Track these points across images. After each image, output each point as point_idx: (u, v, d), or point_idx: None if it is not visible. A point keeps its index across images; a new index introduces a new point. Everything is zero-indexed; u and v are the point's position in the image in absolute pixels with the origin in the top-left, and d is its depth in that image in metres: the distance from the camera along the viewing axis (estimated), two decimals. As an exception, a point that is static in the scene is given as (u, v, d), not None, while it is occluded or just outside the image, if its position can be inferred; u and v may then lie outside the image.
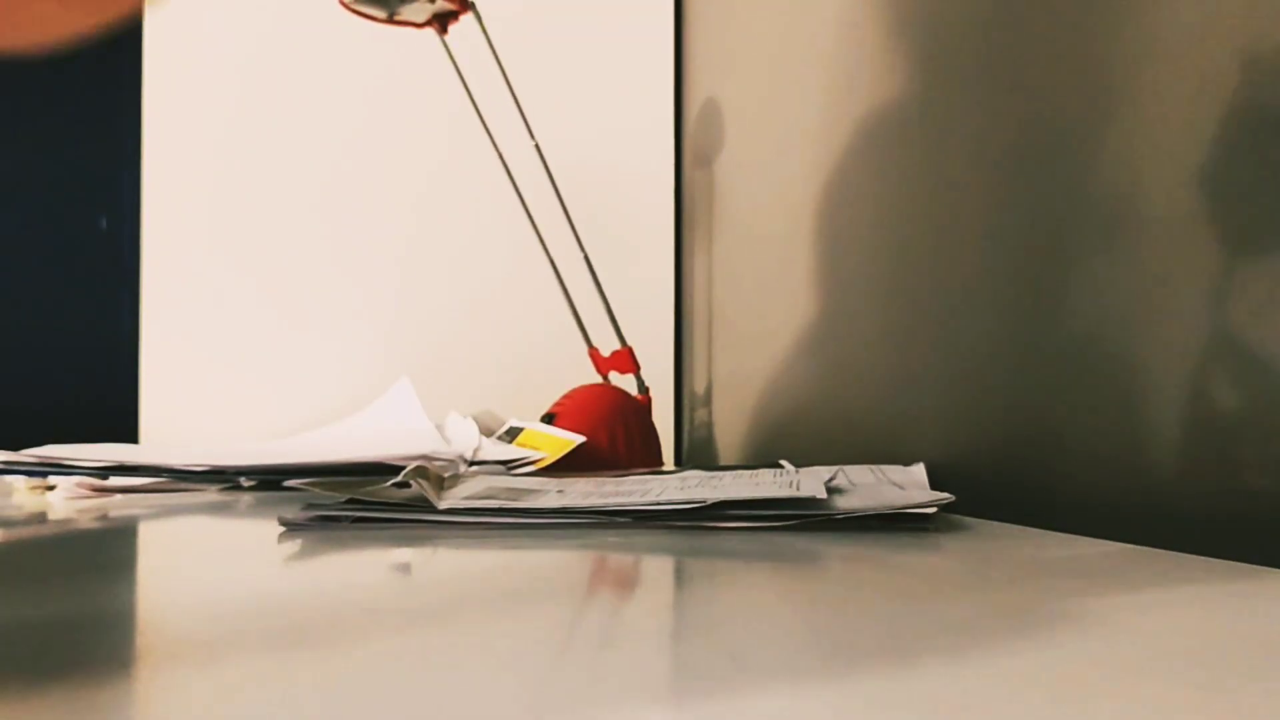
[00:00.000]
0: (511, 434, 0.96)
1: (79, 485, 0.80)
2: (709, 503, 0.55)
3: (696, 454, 1.35)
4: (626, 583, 0.34)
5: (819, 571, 0.32)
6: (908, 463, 0.77)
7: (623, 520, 0.56)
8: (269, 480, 0.85)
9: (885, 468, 0.72)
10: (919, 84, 0.80)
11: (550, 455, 0.89)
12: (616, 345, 1.06)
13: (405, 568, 0.44)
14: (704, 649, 0.28)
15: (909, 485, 0.63)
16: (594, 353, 1.08)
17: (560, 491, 0.62)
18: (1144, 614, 0.32)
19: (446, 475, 0.68)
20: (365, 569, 0.44)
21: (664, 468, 0.97)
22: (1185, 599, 0.35)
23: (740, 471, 0.72)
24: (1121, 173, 0.58)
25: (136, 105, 1.34)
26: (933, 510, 0.54)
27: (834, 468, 0.72)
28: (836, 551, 0.46)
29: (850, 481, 0.65)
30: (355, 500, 0.58)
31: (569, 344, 1.11)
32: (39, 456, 0.85)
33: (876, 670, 0.27)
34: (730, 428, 1.26)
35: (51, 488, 0.81)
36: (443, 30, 1.09)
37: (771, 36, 1.12)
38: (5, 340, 1.40)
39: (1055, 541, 0.49)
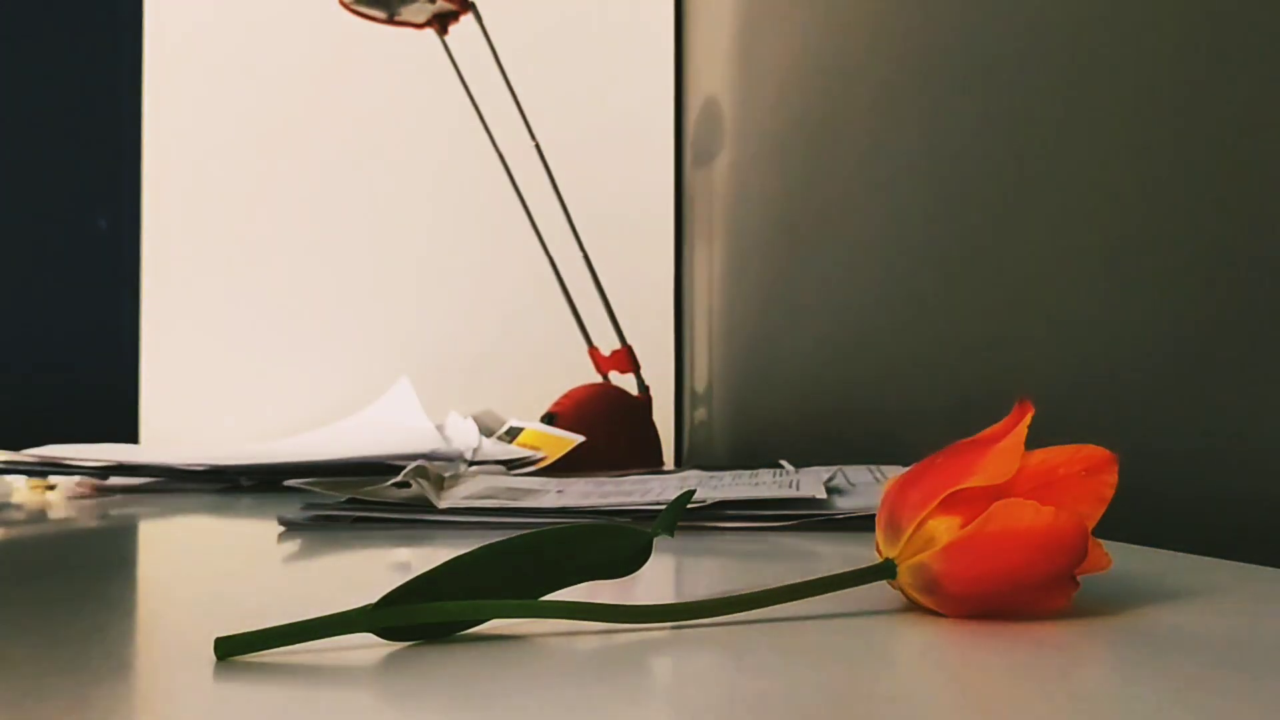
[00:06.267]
0: (511, 434, 0.96)
1: (79, 485, 0.80)
2: (709, 503, 0.55)
3: (696, 454, 1.35)
4: (626, 582, 0.34)
5: (818, 572, 0.32)
6: (907, 463, 0.77)
7: (622, 520, 0.56)
8: (269, 480, 0.85)
9: (885, 468, 0.72)
10: (918, 84, 0.80)
11: (550, 455, 0.89)
12: (616, 345, 1.06)
13: (405, 567, 0.44)
14: (704, 646, 0.28)
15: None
16: (594, 352, 1.08)
17: (560, 491, 0.62)
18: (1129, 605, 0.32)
19: (446, 475, 0.68)
20: (365, 568, 0.44)
21: (664, 468, 0.97)
22: (1164, 593, 0.35)
23: (740, 472, 0.72)
24: (1132, 178, 0.59)
25: (137, 106, 1.34)
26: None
27: (834, 468, 0.72)
28: (836, 551, 0.46)
29: (850, 481, 0.65)
30: (355, 500, 0.58)
31: (569, 344, 1.11)
32: (39, 456, 0.85)
33: (873, 670, 0.27)
34: (730, 428, 1.26)
35: (52, 487, 0.81)
36: (443, 30, 1.09)
37: (772, 37, 1.12)
38: (6, 340, 1.40)
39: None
